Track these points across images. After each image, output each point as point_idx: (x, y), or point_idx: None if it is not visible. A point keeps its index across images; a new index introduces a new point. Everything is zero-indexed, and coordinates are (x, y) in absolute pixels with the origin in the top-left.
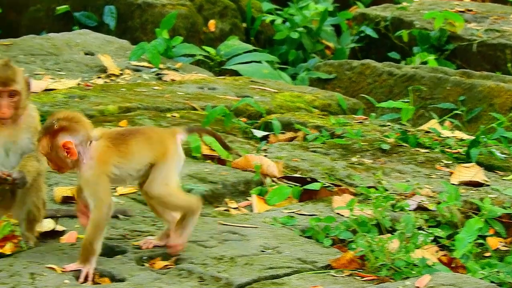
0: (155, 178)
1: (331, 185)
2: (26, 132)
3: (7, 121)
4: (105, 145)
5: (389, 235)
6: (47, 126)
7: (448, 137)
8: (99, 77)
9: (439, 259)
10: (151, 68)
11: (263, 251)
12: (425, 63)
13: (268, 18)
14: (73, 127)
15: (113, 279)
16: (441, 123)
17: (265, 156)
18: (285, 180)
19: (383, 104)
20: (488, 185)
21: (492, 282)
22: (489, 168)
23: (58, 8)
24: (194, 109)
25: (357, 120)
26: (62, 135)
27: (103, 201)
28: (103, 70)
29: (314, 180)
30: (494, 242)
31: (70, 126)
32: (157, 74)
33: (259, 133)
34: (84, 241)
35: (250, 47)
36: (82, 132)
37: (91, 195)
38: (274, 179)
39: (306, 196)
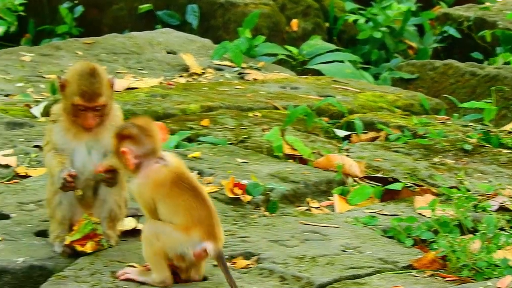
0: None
1: (413, 185)
2: (109, 131)
3: (93, 129)
4: (165, 175)
5: (471, 235)
6: (120, 126)
7: None
8: (181, 76)
9: None
10: (234, 67)
11: (344, 251)
12: (508, 63)
13: (351, 17)
14: (140, 139)
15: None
16: None
17: (347, 155)
18: (367, 180)
19: (466, 105)
20: None
21: None
22: None
23: (140, 6)
24: (276, 108)
25: (439, 120)
26: (126, 142)
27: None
28: (185, 69)
29: (396, 180)
30: None
31: (137, 136)
32: (239, 73)
33: (341, 133)
34: None
35: (333, 46)
36: (148, 147)
37: (142, 208)
38: (356, 179)
39: (388, 196)
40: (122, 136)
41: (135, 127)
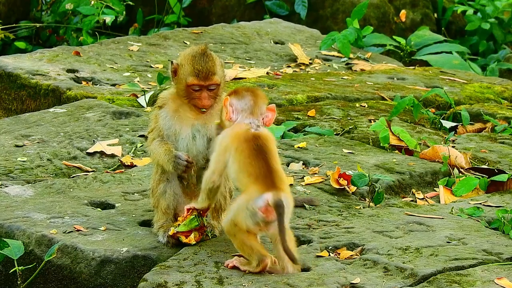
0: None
1: None
2: (217, 117)
3: (206, 111)
4: (244, 131)
5: None
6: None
7: None
8: (288, 66)
9: None
10: (341, 57)
11: (448, 242)
12: None
13: (460, 8)
14: (242, 96)
15: None
16: None
17: (453, 147)
18: (472, 171)
19: None
20: None
21: None
22: None
23: None
24: (383, 99)
25: None
26: (232, 97)
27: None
28: (293, 59)
29: (501, 172)
30: None
31: (241, 93)
32: (347, 64)
33: (448, 124)
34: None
35: (441, 37)
36: (247, 105)
37: (213, 161)
38: (462, 170)
39: (493, 188)
40: (229, 92)
41: (244, 87)
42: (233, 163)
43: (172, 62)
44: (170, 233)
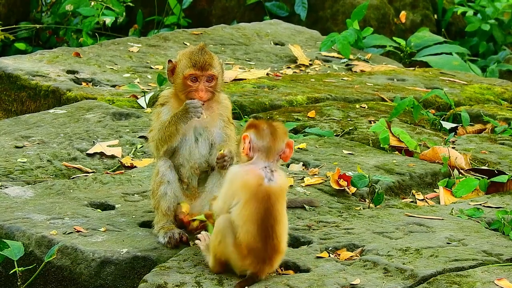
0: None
1: None
2: (219, 120)
3: (203, 106)
4: (255, 186)
5: None
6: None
7: None
8: (288, 67)
9: None
10: (341, 58)
11: (448, 243)
12: None
13: (460, 9)
14: (263, 134)
15: (298, 269)
16: None
17: (453, 148)
18: (472, 172)
19: None
20: None
21: None
22: None
23: None
24: (383, 100)
25: None
26: (251, 131)
27: None
28: (293, 60)
29: (501, 173)
30: None
31: (262, 130)
32: (347, 65)
33: (448, 125)
34: None
35: (441, 38)
36: (266, 145)
37: (220, 196)
38: (462, 171)
39: (493, 189)
40: (250, 124)
41: (265, 123)
42: (238, 216)
43: (170, 61)
44: (183, 214)
